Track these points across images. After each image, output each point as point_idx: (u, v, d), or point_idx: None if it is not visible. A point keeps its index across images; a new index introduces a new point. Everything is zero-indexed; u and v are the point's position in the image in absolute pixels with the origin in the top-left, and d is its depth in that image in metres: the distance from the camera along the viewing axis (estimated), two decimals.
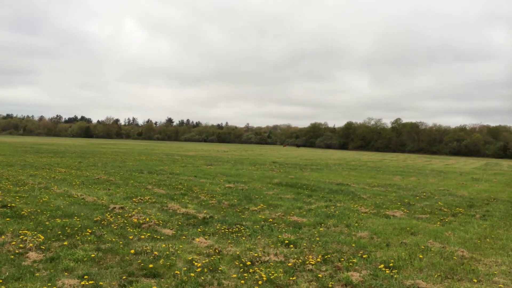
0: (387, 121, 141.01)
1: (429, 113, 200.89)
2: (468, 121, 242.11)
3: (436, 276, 5.79)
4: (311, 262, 6.17)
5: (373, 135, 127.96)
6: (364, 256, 6.62)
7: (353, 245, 7.30)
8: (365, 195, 14.44)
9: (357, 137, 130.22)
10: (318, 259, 6.36)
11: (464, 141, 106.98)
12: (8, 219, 8.46)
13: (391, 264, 6.18)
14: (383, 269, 5.98)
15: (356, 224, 9.19)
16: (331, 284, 5.30)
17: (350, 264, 6.20)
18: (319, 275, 5.63)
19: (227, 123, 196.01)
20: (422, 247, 7.28)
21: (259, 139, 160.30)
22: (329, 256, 6.56)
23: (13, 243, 6.63)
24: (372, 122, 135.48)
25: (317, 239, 7.70)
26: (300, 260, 6.27)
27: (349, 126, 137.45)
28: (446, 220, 10.15)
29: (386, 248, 7.24)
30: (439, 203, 13.09)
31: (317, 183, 18.13)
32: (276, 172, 24.02)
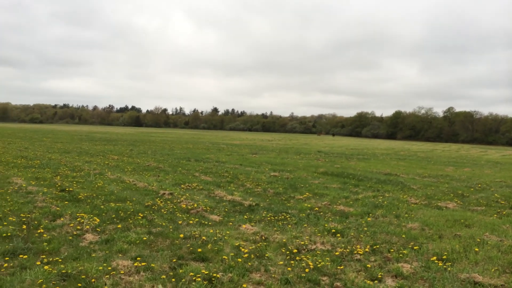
0: (439, 110, 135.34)
1: (484, 102, 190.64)
2: None
3: (493, 270, 5.49)
4: (359, 252, 6.05)
5: (423, 125, 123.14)
6: (415, 247, 6.40)
7: (403, 236, 7.08)
8: (415, 186, 13.94)
9: (406, 127, 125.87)
10: (367, 249, 6.22)
11: None
12: (66, 202, 8.95)
13: (444, 257, 5.93)
14: (436, 261, 5.75)
15: (406, 215, 8.90)
16: (381, 275, 5.18)
17: (400, 255, 6.01)
18: (367, 265, 5.51)
19: (271, 112, 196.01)
20: (478, 240, 6.93)
21: (304, 129, 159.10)
22: (377, 246, 6.40)
23: (71, 225, 7.01)
24: (423, 111, 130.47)
25: (365, 229, 7.54)
26: (347, 250, 6.16)
27: (397, 115, 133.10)
28: (504, 212, 9.59)
29: (439, 240, 6.96)
30: (496, 195, 12.39)
31: (364, 172, 17.73)
32: (322, 161, 23.75)
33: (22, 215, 7.52)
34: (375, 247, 6.36)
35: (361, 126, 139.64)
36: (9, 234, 6.25)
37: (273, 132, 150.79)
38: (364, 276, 5.16)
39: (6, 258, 5.22)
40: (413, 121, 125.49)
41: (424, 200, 11.09)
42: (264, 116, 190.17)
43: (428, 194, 12.12)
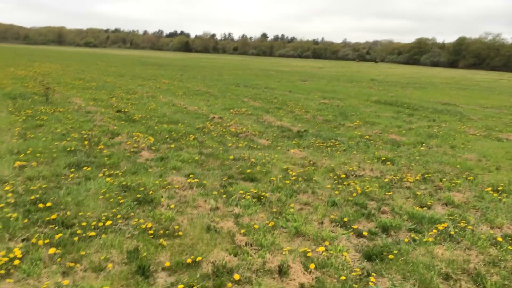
0: (508, 37, 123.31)
1: None
2: None
3: None
4: (409, 180, 5.96)
5: (489, 52, 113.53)
6: (469, 178, 6.20)
7: (458, 166, 6.86)
8: (475, 117, 13.22)
9: (469, 54, 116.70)
10: (417, 178, 6.11)
11: None
12: (122, 122, 9.38)
13: (500, 188, 5.71)
14: (490, 192, 5.57)
15: (463, 146, 8.55)
16: (430, 202, 5.11)
17: (453, 184, 5.86)
18: (417, 193, 5.45)
19: (323, 38, 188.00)
20: None
21: (357, 56, 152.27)
22: (429, 175, 6.26)
23: (128, 143, 7.39)
24: (489, 38, 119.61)
25: (417, 158, 7.36)
26: (397, 177, 6.09)
27: (461, 42, 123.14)
28: None
29: (496, 171, 6.68)
30: None
31: (420, 102, 16.98)
32: (375, 89, 22.93)
33: (83, 132, 8.01)
34: (426, 176, 6.23)
35: (419, 53, 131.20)
36: (73, 148, 6.71)
37: (324, 59, 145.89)
38: (413, 202, 5.12)
39: (72, 170, 5.66)
40: (478, 48, 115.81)
41: (483, 131, 10.55)
42: (315, 42, 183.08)
43: (488, 125, 11.49)
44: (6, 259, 3.30)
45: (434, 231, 4.20)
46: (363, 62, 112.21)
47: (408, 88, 25.50)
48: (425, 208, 4.93)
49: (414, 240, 3.98)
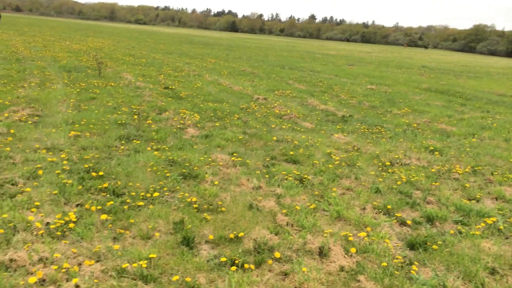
0: None
1: None
2: None
3: None
4: (458, 171, 5.76)
5: None
6: None
7: (511, 160, 6.53)
8: None
9: None
10: (467, 170, 5.89)
11: None
12: (170, 99, 9.62)
13: None
14: None
15: None
16: (479, 196, 4.93)
17: (505, 179, 5.61)
18: (466, 185, 5.26)
19: (373, 21, 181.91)
20: None
21: (409, 41, 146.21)
22: (480, 168, 6.01)
23: (175, 119, 7.58)
24: None
25: (467, 149, 7.07)
26: (445, 168, 5.90)
27: None
28: None
29: None
30: None
31: (474, 92, 16.18)
32: (425, 77, 22.05)
33: (133, 106, 8.30)
34: (476, 168, 5.99)
35: (476, 40, 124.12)
36: (123, 122, 6.99)
37: (373, 43, 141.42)
38: (461, 194, 4.96)
39: (122, 142, 5.91)
40: None
41: None
42: (365, 25, 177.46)
43: None
44: (62, 221, 3.54)
45: (482, 224, 4.06)
46: (412, 48, 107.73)
47: (462, 76, 24.31)
48: (473, 201, 4.76)
49: (460, 233, 3.88)
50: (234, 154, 5.75)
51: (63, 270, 2.92)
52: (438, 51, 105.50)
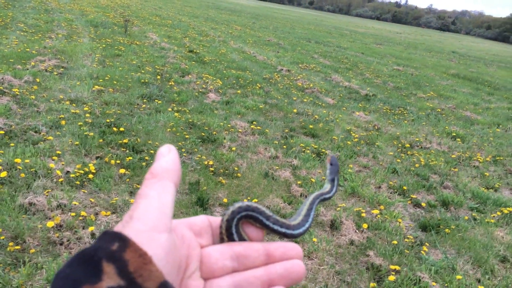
0: None
1: None
2: None
3: None
4: (478, 159, 5.66)
5: None
6: None
7: None
8: None
9: None
10: (488, 159, 5.78)
11: None
12: (193, 62, 9.58)
13: None
14: None
15: None
16: (498, 185, 4.86)
17: None
18: (485, 173, 5.18)
19: (406, 1, 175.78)
20: None
21: (441, 24, 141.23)
22: (501, 158, 5.89)
23: (197, 83, 7.58)
24: None
25: (491, 138, 6.92)
26: (466, 155, 5.80)
27: None
28: None
29: None
30: None
31: (503, 82, 15.66)
32: (454, 62, 21.39)
33: (156, 67, 8.30)
34: (497, 158, 5.87)
35: None
36: (146, 81, 7.02)
37: (404, 24, 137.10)
38: (479, 182, 4.89)
39: (144, 100, 5.96)
40: None
41: None
42: (397, 4, 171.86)
43: None
44: (82, 172, 3.63)
45: (498, 213, 4.02)
46: (442, 33, 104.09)
47: (492, 65, 23.51)
48: (491, 190, 4.70)
49: (475, 219, 3.85)
50: (254, 123, 5.74)
51: (80, 218, 3.02)
52: (470, 37, 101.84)
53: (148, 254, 0.32)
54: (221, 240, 0.42)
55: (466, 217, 3.87)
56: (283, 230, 0.44)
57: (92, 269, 0.31)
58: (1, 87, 5.31)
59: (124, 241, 0.33)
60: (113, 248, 0.32)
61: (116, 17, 15.54)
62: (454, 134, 6.75)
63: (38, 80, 5.96)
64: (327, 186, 0.57)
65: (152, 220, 0.35)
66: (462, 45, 46.14)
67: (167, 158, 0.39)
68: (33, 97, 5.25)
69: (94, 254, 0.32)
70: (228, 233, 0.42)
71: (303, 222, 0.47)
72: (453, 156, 5.69)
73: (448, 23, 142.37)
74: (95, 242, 0.34)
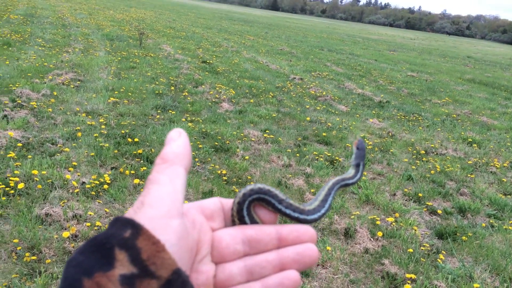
0: None
1: None
2: None
3: None
4: (495, 165, 5.56)
5: None
6: None
7: None
8: None
9: None
10: (505, 164, 5.68)
11: None
12: (207, 73, 9.68)
13: None
14: None
15: None
16: None
17: None
18: (503, 179, 5.08)
19: (420, 7, 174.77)
20: None
21: (455, 30, 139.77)
22: None
23: (211, 93, 7.65)
24: None
25: (508, 144, 6.79)
26: (482, 161, 5.70)
27: None
28: None
29: None
30: None
31: None
32: (470, 67, 21.12)
33: (170, 78, 8.41)
34: None
35: None
36: (160, 92, 7.11)
37: (417, 30, 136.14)
38: (496, 189, 4.80)
39: (158, 111, 6.03)
40: None
41: None
42: (410, 10, 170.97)
43: None
44: (97, 182, 3.68)
45: None
46: (456, 38, 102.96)
47: (509, 70, 23.14)
48: (509, 196, 4.61)
49: (492, 226, 3.78)
50: (267, 131, 5.76)
51: (95, 228, 3.06)
52: (485, 42, 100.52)
53: (161, 242, 0.32)
54: (233, 223, 0.42)
55: (484, 224, 3.80)
56: (296, 214, 0.44)
57: (105, 256, 0.31)
58: (20, 101, 5.45)
59: (136, 228, 0.33)
60: (126, 236, 0.32)
61: (131, 30, 15.83)
62: (470, 140, 6.65)
63: (55, 93, 6.10)
64: (351, 171, 0.54)
65: (164, 206, 0.35)
66: (477, 50, 45.57)
67: (178, 142, 0.39)
68: (50, 110, 5.36)
69: (107, 242, 0.32)
70: (240, 216, 0.42)
71: (319, 208, 0.46)
72: (469, 162, 5.60)
73: (463, 28, 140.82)
74: (107, 229, 0.34)
